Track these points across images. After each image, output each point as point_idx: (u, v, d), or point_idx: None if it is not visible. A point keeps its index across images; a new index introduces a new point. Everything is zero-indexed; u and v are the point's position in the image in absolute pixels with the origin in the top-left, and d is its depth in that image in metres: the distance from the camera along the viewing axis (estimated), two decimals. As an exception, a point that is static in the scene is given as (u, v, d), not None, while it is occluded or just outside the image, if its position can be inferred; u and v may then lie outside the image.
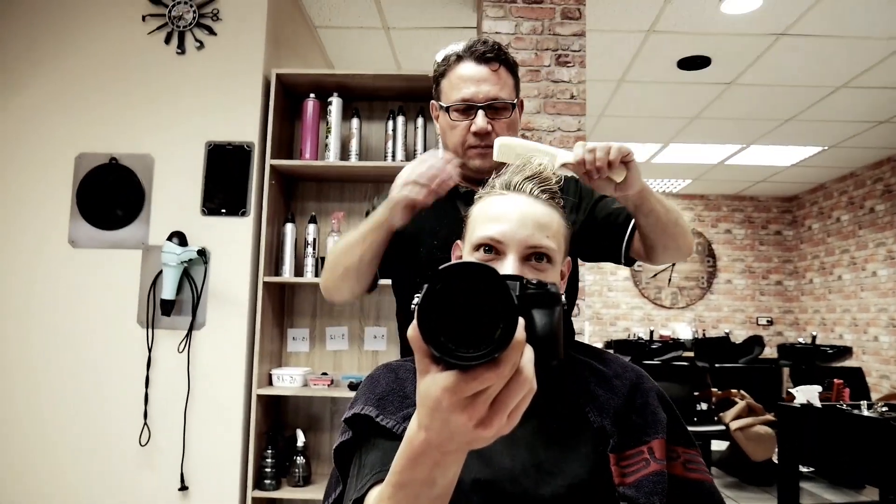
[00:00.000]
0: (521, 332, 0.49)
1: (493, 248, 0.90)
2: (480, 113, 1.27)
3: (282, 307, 2.80)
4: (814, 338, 5.54)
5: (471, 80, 1.29)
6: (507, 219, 0.89)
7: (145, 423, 2.51)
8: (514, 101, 1.31)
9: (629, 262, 1.35)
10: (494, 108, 1.28)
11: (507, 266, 0.87)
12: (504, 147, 1.13)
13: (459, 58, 1.31)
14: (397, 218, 1.21)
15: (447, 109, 1.31)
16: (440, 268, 0.48)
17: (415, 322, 0.50)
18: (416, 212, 1.20)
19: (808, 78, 4.25)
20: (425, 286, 0.49)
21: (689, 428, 0.98)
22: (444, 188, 1.19)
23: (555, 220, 0.92)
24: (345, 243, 1.30)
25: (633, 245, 1.30)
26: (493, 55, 1.30)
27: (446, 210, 1.32)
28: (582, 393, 0.94)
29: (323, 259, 2.62)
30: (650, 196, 1.16)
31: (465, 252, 0.96)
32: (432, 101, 1.39)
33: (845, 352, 5.12)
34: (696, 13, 3.41)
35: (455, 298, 0.48)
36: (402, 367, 0.97)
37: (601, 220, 1.34)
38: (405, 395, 0.90)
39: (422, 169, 1.18)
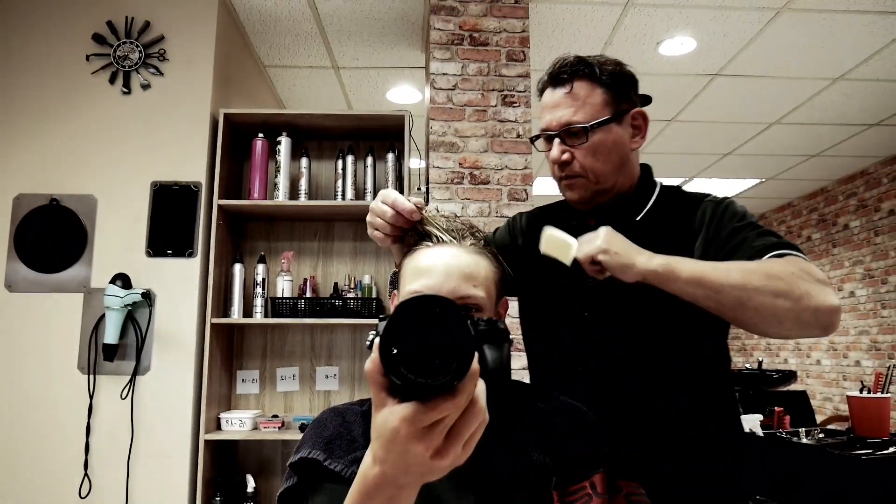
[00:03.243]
0: (476, 362, 0.51)
1: None
2: (556, 142, 1.18)
3: (230, 349, 2.74)
4: (760, 363, 5.68)
5: (547, 107, 1.20)
6: (434, 272, 0.90)
7: (86, 474, 2.41)
8: (592, 123, 1.15)
9: None
10: (572, 134, 1.16)
11: None
12: (548, 238, 1.09)
13: (545, 84, 1.23)
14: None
15: (534, 141, 1.25)
16: (401, 301, 0.51)
17: (373, 355, 0.52)
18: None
19: (743, 115, 4.45)
20: (386, 319, 0.51)
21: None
22: (401, 224, 1.00)
23: (482, 268, 0.93)
24: None
25: None
26: (566, 74, 1.19)
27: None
28: (524, 431, 0.95)
29: (273, 300, 2.60)
30: (668, 282, 0.99)
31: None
32: None
33: (790, 376, 5.25)
34: (636, 54, 3.56)
35: (415, 330, 0.50)
36: (349, 411, 0.96)
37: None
38: (353, 438, 0.90)
39: (374, 213, 1.02)
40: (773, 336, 1.01)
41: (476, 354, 0.51)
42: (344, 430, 0.91)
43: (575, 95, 1.17)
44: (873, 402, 2.03)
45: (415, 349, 0.49)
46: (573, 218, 1.26)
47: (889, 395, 2.08)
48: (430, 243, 0.95)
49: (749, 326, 1.00)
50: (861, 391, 2.11)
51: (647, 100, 1.30)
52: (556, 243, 1.07)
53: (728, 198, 1.19)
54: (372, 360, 0.52)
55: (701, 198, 1.21)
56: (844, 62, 3.65)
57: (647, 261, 0.99)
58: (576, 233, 1.10)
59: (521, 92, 2.79)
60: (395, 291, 1.00)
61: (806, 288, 0.97)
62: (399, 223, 0.99)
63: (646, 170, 1.28)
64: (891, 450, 1.92)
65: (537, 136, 1.24)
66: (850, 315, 5.93)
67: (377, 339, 0.51)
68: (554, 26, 3.24)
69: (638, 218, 1.22)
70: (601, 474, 0.94)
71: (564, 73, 1.18)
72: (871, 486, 1.82)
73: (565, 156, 1.17)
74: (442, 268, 0.90)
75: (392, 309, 1.02)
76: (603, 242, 1.01)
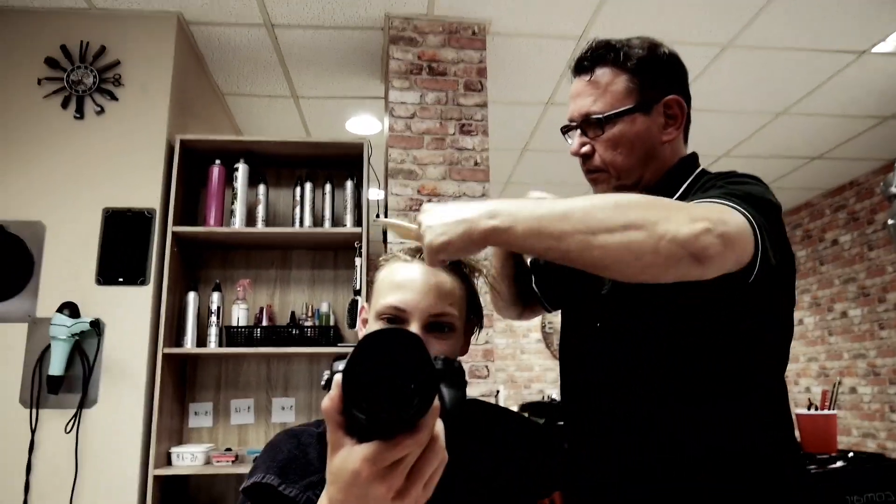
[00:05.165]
0: (437, 399, 0.50)
1: (396, 317, 0.91)
2: (575, 134, 1.10)
3: (183, 380, 2.67)
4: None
5: (571, 96, 1.11)
6: (411, 287, 0.90)
7: (25, 515, 2.29)
8: (609, 114, 1.05)
9: None
10: (591, 125, 1.07)
11: None
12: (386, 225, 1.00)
13: (571, 71, 1.13)
14: None
15: (564, 133, 1.13)
16: (365, 335, 0.49)
17: (332, 392, 0.50)
18: None
19: (692, 147, 4.60)
20: (349, 354, 0.50)
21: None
22: None
23: (457, 288, 0.94)
24: None
25: None
26: (588, 62, 1.09)
27: None
28: (485, 449, 0.95)
29: (228, 329, 2.54)
30: (506, 244, 0.83)
31: (370, 317, 0.96)
32: None
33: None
34: (590, 88, 3.66)
35: (379, 363, 0.48)
36: (304, 433, 0.95)
37: None
38: (308, 461, 0.88)
39: None
40: (640, 279, 0.80)
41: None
42: (299, 454, 0.89)
43: (596, 83, 1.07)
44: (821, 418, 2.09)
45: (377, 384, 0.48)
46: None
47: (835, 412, 2.14)
48: (407, 257, 0.95)
49: (607, 272, 0.81)
50: (809, 409, 2.17)
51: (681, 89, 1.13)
52: (403, 230, 0.95)
53: (731, 171, 1.06)
54: (330, 398, 0.51)
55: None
56: (787, 97, 3.83)
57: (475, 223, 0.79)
58: None
59: (478, 121, 2.83)
60: (366, 305, 1.00)
61: (664, 214, 0.78)
62: None
63: (683, 162, 1.16)
64: (838, 464, 1.97)
65: (566, 128, 1.13)
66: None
67: (338, 375, 0.49)
68: (511, 58, 3.32)
69: None
70: (560, 492, 0.94)
71: (586, 60, 1.09)
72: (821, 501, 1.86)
73: (584, 148, 1.08)
74: (420, 284, 0.90)
75: (359, 329, 1.01)
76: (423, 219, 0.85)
